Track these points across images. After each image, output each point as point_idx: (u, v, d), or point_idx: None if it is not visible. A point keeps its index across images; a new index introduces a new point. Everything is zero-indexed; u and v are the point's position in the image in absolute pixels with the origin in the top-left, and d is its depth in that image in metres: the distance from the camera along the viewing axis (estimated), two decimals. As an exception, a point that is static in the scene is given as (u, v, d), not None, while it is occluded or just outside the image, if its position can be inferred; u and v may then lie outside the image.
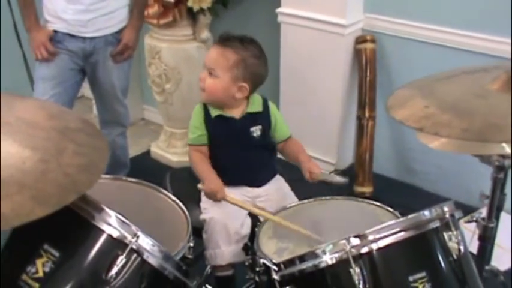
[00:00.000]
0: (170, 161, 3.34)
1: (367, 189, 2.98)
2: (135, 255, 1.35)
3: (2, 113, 1.32)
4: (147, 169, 3.17)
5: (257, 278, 1.60)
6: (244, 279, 1.85)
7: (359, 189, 2.98)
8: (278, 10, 2.96)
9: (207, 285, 1.90)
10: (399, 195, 2.89)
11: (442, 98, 1.41)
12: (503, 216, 2.01)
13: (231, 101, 1.92)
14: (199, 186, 1.86)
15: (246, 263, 1.70)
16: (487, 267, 1.93)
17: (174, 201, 1.79)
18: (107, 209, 1.35)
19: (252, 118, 1.95)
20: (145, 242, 1.36)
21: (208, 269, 1.98)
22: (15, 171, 1.17)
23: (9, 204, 1.09)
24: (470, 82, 1.48)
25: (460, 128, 1.24)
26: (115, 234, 1.34)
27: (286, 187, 2.04)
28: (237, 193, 1.93)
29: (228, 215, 1.87)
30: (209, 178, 1.85)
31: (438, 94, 1.44)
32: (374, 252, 1.36)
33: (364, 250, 1.36)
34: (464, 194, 2.46)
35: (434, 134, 1.28)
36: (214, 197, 1.82)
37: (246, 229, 1.90)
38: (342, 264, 1.36)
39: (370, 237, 1.36)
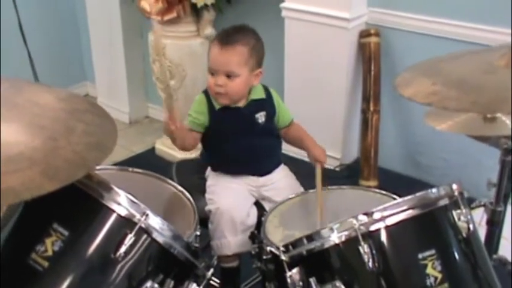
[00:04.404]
0: (175, 158, 3.32)
1: (373, 183, 2.97)
2: (144, 234, 1.34)
3: (11, 95, 1.33)
4: (152, 166, 3.14)
5: (264, 267, 1.59)
6: (249, 271, 1.85)
7: (364, 183, 2.98)
8: (282, 5, 2.97)
9: (212, 278, 1.89)
10: (404, 189, 2.83)
11: (448, 75, 1.42)
12: (508, 207, 1.99)
13: (247, 91, 1.92)
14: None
15: (253, 252, 1.69)
16: (495, 256, 1.92)
17: (180, 191, 1.79)
18: (116, 188, 1.35)
19: (256, 105, 1.94)
20: (154, 221, 1.35)
21: (214, 260, 1.97)
22: (24, 148, 1.18)
23: (20, 178, 1.10)
24: (476, 60, 1.49)
25: (468, 101, 1.24)
26: (124, 213, 1.34)
27: (291, 176, 2.03)
28: (242, 182, 1.93)
29: (234, 205, 1.87)
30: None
31: (445, 72, 1.44)
32: (383, 230, 1.36)
33: (373, 228, 1.35)
34: (470, 187, 2.44)
35: (442, 108, 1.28)
36: (168, 131, 1.84)
37: (252, 219, 1.89)
38: (351, 242, 1.35)
39: (379, 215, 1.36)
